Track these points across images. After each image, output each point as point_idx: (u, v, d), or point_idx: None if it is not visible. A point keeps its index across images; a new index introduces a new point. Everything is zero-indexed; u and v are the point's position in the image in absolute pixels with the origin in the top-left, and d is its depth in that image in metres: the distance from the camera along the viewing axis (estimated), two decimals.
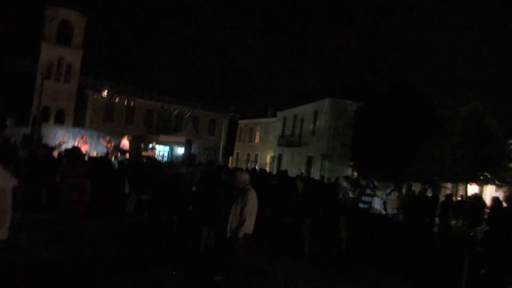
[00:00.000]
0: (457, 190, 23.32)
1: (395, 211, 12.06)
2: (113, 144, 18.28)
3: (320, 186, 12.02)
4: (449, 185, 20.83)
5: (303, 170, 26.39)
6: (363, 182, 13.17)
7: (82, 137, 18.11)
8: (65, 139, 20.07)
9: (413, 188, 14.64)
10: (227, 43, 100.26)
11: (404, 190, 14.31)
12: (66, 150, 8.06)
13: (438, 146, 17.23)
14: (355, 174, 22.16)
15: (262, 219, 8.39)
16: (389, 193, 12.65)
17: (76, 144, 15.83)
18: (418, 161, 17.52)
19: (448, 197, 13.20)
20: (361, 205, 9.96)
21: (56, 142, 18.29)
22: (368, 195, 10.25)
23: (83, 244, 6.72)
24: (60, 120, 31.95)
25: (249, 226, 5.04)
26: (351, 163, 22.90)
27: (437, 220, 12.22)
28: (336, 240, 8.44)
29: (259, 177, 10.27)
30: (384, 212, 12.01)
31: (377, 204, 12.46)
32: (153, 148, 21.56)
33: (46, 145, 11.43)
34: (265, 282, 6.00)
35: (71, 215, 7.37)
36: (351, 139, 21.93)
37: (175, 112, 25.95)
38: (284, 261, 7.16)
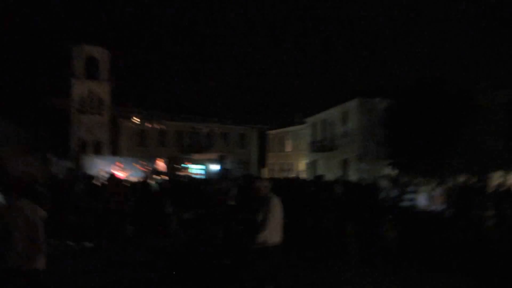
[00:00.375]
0: (506, 178, 22.14)
1: (442, 206, 11.53)
2: (150, 168, 18.73)
3: (359, 188, 11.77)
4: (498, 174, 19.79)
5: (340, 174, 25.96)
6: (404, 180, 12.79)
7: (116, 164, 18.68)
8: (104, 168, 20.74)
9: (460, 180, 14.03)
10: (248, 55, 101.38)
11: (450, 184, 13.72)
12: (107, 179, 8.34)
13: (480, 135, 16.53)
14: (395, 172, 21.58)
15: (304, 227, 8.32)
16: (434, 188, 12.14)
17: (112, 171, 16.32)
18: (460, 152, 16.87)
19: (499, 186, 12.52)
20: (405, 203, 9.66)
21: (97, 171, 18.93)
22: (411, 192, 9.93)
23: (129, 268, 6.84)
24: (97, 150, 33.14)
25: (272, 232, 4.86)
26: (389, 162, 22.33)
27: (489, 212, 11.58)
28: (383, 241, 8.19)
29: (295, 185, 10.20)
30: (430, 208, 11.55)
31: (422, 200, 12.02)
32: (187, 168, 21.88)
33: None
34: None
35: (115, 239, 7.56)
36: (386, 137, 21.43)
37: (205, 130, 26.27)
38: (332, 267, 7.00)
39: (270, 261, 4.93)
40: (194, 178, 14.02)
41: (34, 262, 3.73)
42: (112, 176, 8.19)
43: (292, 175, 30.67)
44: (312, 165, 33.36)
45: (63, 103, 31.54)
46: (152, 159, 22.28)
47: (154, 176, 16.33)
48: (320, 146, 31.05)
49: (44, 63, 70.60)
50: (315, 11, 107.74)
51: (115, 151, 33.88)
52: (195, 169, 23.20)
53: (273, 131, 40.74)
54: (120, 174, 16.46)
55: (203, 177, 20.17)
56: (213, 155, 23.31)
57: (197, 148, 33.05)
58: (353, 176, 24.19)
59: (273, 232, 4.86)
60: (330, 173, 27.07)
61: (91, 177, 13.18)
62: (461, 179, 14.91)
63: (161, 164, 19.33)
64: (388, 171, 22.52)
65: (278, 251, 4.98)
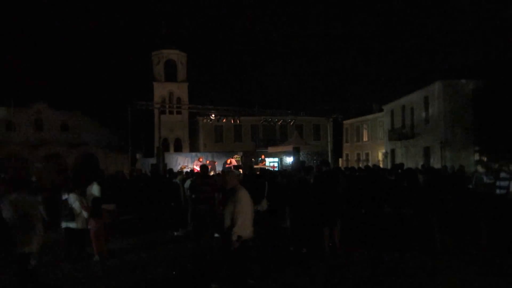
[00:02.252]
0: None
1: None
2: (215, 163, 19.68)
3: (444, 175, 10.99)
4: None
5: (422, 162, 24.49)
6: (496, 166, 11.66)
7: (199, 159, 19.63)
8: (185, 163, 22.05)
9: None
10: (321, 42, 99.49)
11: None
12: (201, 168, 8.80)
13: None
14: (484, 159, 19.81)
15: (383, 216, 8.01)
16: None
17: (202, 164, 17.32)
18: None
19: None
20: (497, 190, 8.81)
21: (178, 167, 20.17)
22: (504, 179, 9.01)
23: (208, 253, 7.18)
24: (178, 147, 35.24)
25: (243, 228, 4.65)
26: (477, 148, 20.59)
27: None
28: (473, 231, 7.58)
29: (374, 174, 9.83)
30: None
31: None
32: (263, 161, 22.27)
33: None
34: (400, 279, 5.64)
35: (204, 229, 7.98)
36: (474, 121, 19.75)
37: (279, 123, 26.41)
38: (415, 257, 6.65)
39: (244, 256, 4.80)
40: (267, 170, 14.22)
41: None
42: (204, 166, 8.62)
43: (370, 165, 29.59)
44: (390, 154, 31.93)
45: (146, 105, 34.22)
46: (229, 154, 23.12)
47: (232, 169, 16.89)
48: (399, 134, 29.52)
49: (129, 70, 76.56)
50: None
51: (194, 148, 35.68)
52: (270, 162, 23.54)
53: (349, 121, 39.69)
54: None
55: (276, 169, 20.42)
56: (288, 148, 23.37)
57: (272, 141, 33.45)
58: (436, 164, 22.67)
59: (244, 226, 4.69)
60: (411, 162, 25.71)
61: (176, 173, 14.14)
62: None
63: (233, 160, 20.05)
64: (476, 158, 20.77)
65: (250, 245, 4.84)
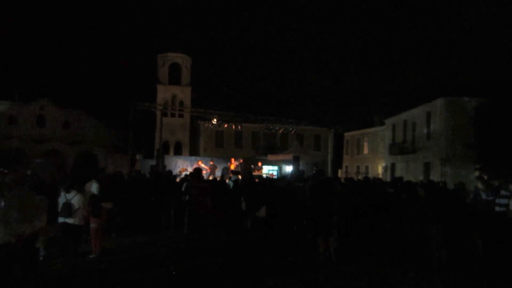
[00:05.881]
0: None
1: None
2: (216, 169, 19.67)
3: (444, 190, 10.97)
4: None
5: (421, 178, 24.44)
6: (496, 183, 11.65)
7: (198, 163, 19.62)
8: (184, 167, 22.02)
9: None
10: (325, 53, 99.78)
11: None
12: (194, 170, 8.71)
13: None
14: (484, 176, 19.79)
15: (381, 229, 7.97)
16: None
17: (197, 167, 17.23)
18: None
19: None
20: (496, 208, 8.77)
21: (177, 170, 20.14)
22: (504, 196, 8.97)
23: (206, 256, 7.14)
24: (178, 150, 35.25)
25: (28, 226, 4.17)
26: (477, 166, 20.57)
27: None
28: (469, 248, 7.53)
29: (373, 186, 9.81)
30: None
31: None
32: (260, 168, 22.23)
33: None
34: None
35: (197, 231, 7.93)
36: (476, 139, 19.79)
37: (280, 131, 26.42)
38: (411, 271, 6.59)
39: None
40: (267, 178, 14.21)
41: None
42: (198, 169, 8.55)
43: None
44: (390, 168, 31.89)
45: (149, 106, 34.38)
46: (228, 159, 23.10)
47: (229, 174, 16.84)
48: (400, 149, 29.52)
49: (134, 71, 76.91)
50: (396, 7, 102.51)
51: (194, 152, 35.68)
52: (269, 170, 23.48)
53: (350, 133, 39.66)
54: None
55: (275, 177, 20.36)
56: (288, 156, 23.33)
57: (272, 149, 33.42)
58: (436, 180, 22.65)
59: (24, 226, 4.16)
60: (410, 176, 25.62)
61: (175, 176, 14.14)
62: None
63: (235, 164, 19.97)
64: (476, 175, 20.79)
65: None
